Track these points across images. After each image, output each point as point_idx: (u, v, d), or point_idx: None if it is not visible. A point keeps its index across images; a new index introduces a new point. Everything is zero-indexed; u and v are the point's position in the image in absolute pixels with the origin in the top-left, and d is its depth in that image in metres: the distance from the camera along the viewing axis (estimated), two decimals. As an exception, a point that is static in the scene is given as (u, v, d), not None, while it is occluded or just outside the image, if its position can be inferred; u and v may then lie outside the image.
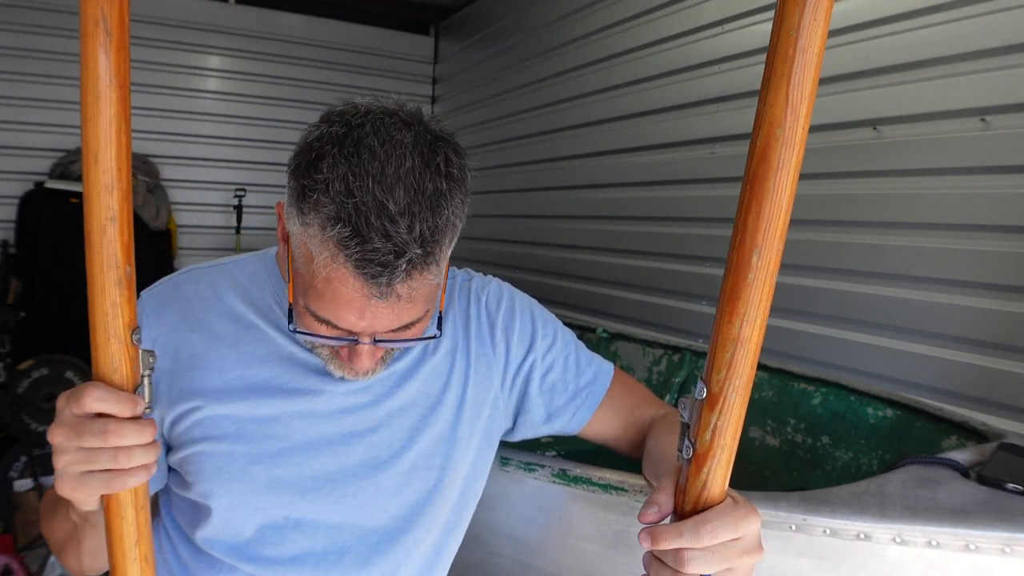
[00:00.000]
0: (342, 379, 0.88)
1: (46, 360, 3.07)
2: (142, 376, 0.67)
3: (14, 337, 3.07)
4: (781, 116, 0.54)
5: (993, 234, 1.60)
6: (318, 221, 0.71)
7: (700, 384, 0.61)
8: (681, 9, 2.53)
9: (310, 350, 0.88)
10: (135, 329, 0.65)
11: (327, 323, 0.76)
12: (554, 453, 1.87)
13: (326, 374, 0.89)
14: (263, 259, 0.96)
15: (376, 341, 0.78)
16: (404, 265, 0.70)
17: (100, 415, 0.63)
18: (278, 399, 0.88)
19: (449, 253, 0.80)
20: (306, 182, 0.73)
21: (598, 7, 2.97)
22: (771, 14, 2.35)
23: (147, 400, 0.67)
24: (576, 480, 1.04)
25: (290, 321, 0.80)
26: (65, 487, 0.65)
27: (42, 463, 2.94)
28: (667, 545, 0.61)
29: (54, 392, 3.06)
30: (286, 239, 0.82)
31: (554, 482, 1.06)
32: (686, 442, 0.63)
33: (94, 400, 0.63)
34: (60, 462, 0.64)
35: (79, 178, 3.44)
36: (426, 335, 0.83)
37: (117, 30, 0.60)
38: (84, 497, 0.66)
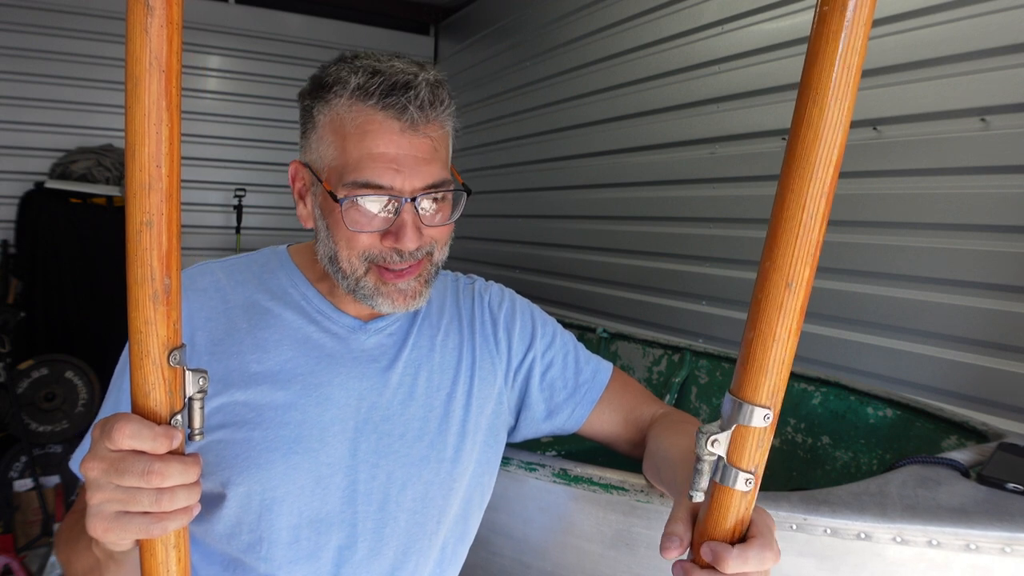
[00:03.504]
0: (355, 361, 0.91)
1: (46, 360, 3.07)
2: (189, 400, 0.60)
3: (14, 337, 3.07)
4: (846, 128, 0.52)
5: (993, 234, 1.60)
6: (341, 91, 0.82)
7: (757, 410, 0.56)
8: (681, 9, 2.53)
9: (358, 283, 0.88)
10: (175, 349, 0.58)
11: (368, 185, 0.81)
12: (555, 453, 1.87)
13: (341, 357, 0.91)
14: (273, 252, 1.00)
15: (413, 200, 0.83)
16: (423, 85, 0.81)
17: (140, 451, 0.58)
18: (295, 384, 0.89)
19: (451, 148, 0.90)
20: (324, 77, 0.84)
21: (598, 7, 2.98)
22: (771, 14, 2.34)
23: (197, 426, 0.61)
24: (577, 480, 1.04)
25: (338, 201, 0.83)
26: (97, 527, 0.59)
27: (42, 463, 2.94)
28: (733, 570, 0.59)
29: (54, 392, 3.06)
30: (302, 193, 0.90)
31: (555, 482, 1.07)
32: (739, 474, 0.58)
33: (126, 437, 0.57)
34: (95, 499, 0.59)
35: (79, 178, 3.44)
36: (451, 219, 0.90)
37: (160, 5, 0.52)
38: (116, 540, 0.60)
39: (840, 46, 0.49)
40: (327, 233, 0.87)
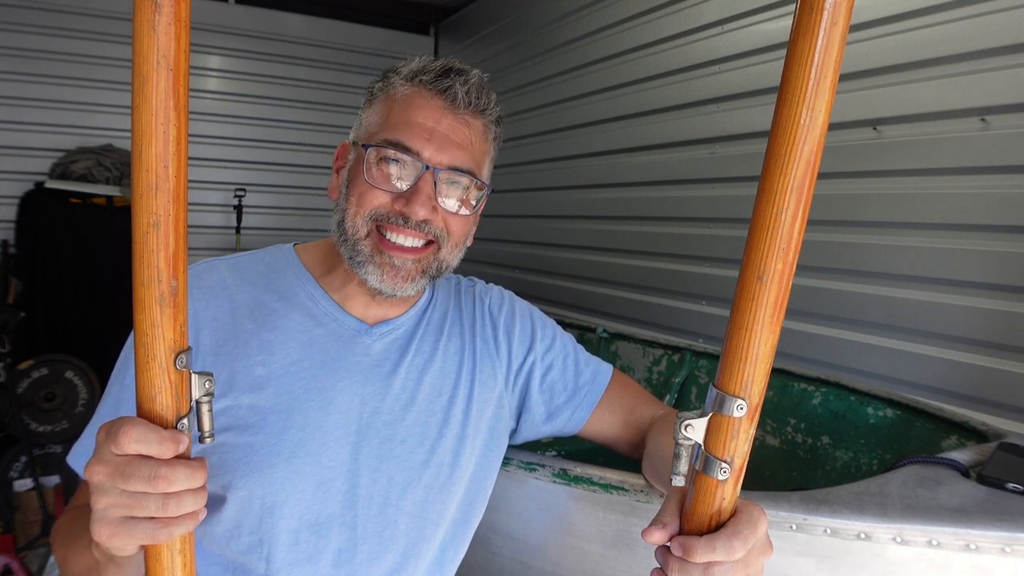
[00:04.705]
0: (359, 365, 0.91)
1: (46, 360, 3.07)
2: (195, 403, 0.60)
3: (14, 337, 3.07)
4: (826, 122, 0.53)
5: (993, 234, 1.60)
6: (402, 70, 0.89)
7: (730, 400, 0.57)
8: (681, 9, 2.53)
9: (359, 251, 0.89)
10: (181, 352, 0.57)
11: (397, 145, 0.86)
12: (555, 453, 1.87)
13: (345, 361, 0.91)
14: (280, 250, 1.00)
15: (435, 171, 0.86)
16: (475, 76, 0.89)
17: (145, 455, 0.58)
18: (299, 388, 0.88)
19: (491, 162, 0.96)
20: (392, 66, 0.91)
21: (598, 7, 2.98)
22: (771, 14, 2.34)
23: (207, 429, 0.61)
24: (577, 480, 1.04)
25: (364, 148, 0.87)
26: (102, 532, 0.58)
27: (42, 463, 2.94)
28: (701, 559, 0.60)
29: (54, 392, 3.06)
30: (339, 168, 0.95)
31: (555, 482, 1.07)
32: (714, 462, 0.59)
33: (132, 441, 0.56)
34: (100, 503, 0.58)
35: (79, 178, 3.44)
36: (471, 209, 0.92)
37: (169, 2, 0.51)
38: (121, 545, 0.59)
39: (811, 50, 0.51)
40: (345, 194, 0.90)
